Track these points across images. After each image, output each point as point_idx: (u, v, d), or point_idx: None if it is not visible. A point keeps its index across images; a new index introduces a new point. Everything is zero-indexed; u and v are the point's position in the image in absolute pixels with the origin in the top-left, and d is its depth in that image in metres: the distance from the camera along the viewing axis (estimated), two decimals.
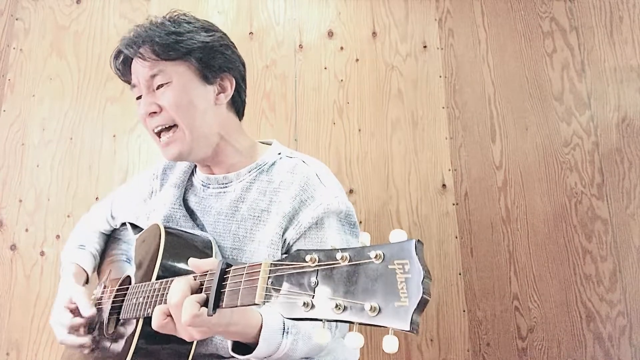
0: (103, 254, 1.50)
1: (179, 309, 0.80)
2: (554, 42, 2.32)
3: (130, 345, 1.02)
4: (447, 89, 2.31)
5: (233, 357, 0.95)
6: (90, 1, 2.41)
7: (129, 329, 1.09)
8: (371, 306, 0.54)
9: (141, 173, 1.54)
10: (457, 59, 2.35)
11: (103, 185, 2.22)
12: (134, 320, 1.06)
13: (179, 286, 0.82)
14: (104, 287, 1.33)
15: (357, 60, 2.34)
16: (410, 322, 0.51)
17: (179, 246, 1.12)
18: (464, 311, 2.09)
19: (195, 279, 0.84)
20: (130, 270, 1.25)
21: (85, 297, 1.25)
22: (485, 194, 2.20)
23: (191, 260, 0.87)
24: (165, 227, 1.14)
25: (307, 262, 0.63)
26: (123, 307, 1.13)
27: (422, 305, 0.52)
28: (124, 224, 1.48)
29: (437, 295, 2.11)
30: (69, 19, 2.39)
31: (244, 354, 0.93)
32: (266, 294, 0.66)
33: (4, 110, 2.28)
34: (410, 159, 2.24)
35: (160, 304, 0.91)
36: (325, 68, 2.33)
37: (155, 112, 1.19)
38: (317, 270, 0.61)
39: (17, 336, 2.07)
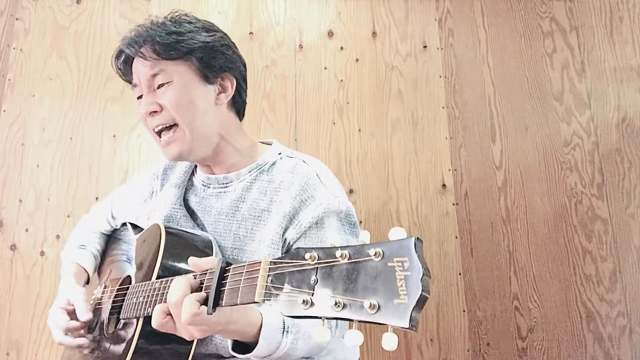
0: (103, 254, 1.50)
1: (178, 307, 0.80)
2: (554, 42, 2.32)
3: (131, 345, 1.02)
4: (447, 89, 2.32)
5: (233, 356, 0.95)
6: (90, 1, 2.41)
7: (129, 329, 1.09)
8: (370, 304, 0.54)
9: (141, 173, 1.54)
10: (457, 59, 2.35)
11: (103, 185, 2.22)
12: (134, 320, 1.06)
13: (178, 285, 0.82)
14: (104, 287, 1.33)
15: (357, 60, 2.35)
16: (410, 320, 0.51)
17: (180, 246, 1.13)
18: (464, 311, 2.09)
19: (195, 278, 0.84)
20: (131, 270, 1.25)
21: (83, 300, 1.25)
22: (485, 194, 2.20)
23: (191, 259, 0.87)
24: (165, 227, 1.15)
25: (306, 260, 0.63)
26: (123, 306, 1.13)
27: (421, 302, 0.52)
28: (124, 224, 1.48)
29: (437, 295, 2.11)
30: (69, 19, 2.39)
31: (244, 353, 0.93)
32: (266, 292, 0.66)
33: (4, 110, 2.28)
34: (410, 159, 2.24)
35: (160, 303, 0.91)
36: (325, 68, 2.33)
37: (155, 112, 1.20)
38: (317, 268, 0.61)
39: (17, 336, 2.07)
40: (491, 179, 2.21)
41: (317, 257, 0.62)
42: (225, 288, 0.76)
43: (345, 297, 0.57)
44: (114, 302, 1.21)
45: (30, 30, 2.37)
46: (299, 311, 0.61)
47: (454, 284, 2.12)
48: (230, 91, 1.27)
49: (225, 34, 1.30)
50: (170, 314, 0.84)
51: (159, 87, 1.20)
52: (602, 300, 2.05)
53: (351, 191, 2.19)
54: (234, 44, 1.32)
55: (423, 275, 0.53)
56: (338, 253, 0.60)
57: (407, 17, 2.39)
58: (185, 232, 1.20)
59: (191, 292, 0.81)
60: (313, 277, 0.61)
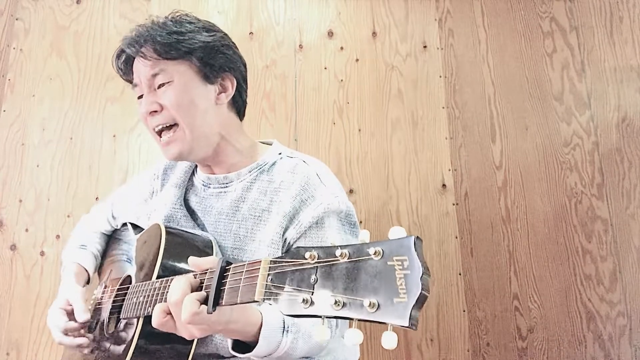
0: (104, 254, 1.50)
1: (178, 306, 0.80)
2: (554, 42, 2.33)
3: (131, 344, 1.02)
4: (447, 89, 2.32)
5: (233, 356, 0.95)
6: (90, 1, 2.41)
7: (129, 329, 1.09)
8: (370, 302, 0.54)
9: (142, 173, 1.54)
10: (457, 59, 2.35)
11: (103, 185, 2.22)
12: (134, 320, 1.07)
13: (179, 284, 0.82)
14: (105, 287, 1.33)
15: (357, 60, 2.35)
16: (409, 318, 0.51)
17: (180, 246, 1.13)
18: (464, 311, 2.09)
19: (195, 277, 0.84)
20: (131, 270, 1.25)
21: (81, 301, 1.25)
22: (485, 194, 2.20)
23: (191, 258, 0.87)
24: (166, 227, 1.15)
25: (306, 259, 0.63)
26: (123, 306, 1.14)
27: (420, 301, 0.52)
28: (124, 224, 1.48)
29: (437, 295, 2.11)
30: (69, 19, 2.39)
31: (244, 353, 0.93)
32: (266, 291, 0.66)
33: (4, 110, 2.28)
34: (410, 159, 2.24)
35: (160, 302, 0.91)
36: (325, 68, 2.33)
37: (156, 111, 1.20)
38: (317, 267, 0.61)
39: (17, 336, 2.07)
40: (491, 179, 2.21)
41: (317, 256, 0.62)
42: (226, 287, 0.76)
43: (345, 296, 0.57)
44: (114, 302, 1.21)
45: (30, 30, 2.37)
46: (298, 310, 0.61)
47: (454, 284, 2.12)
48: (231, 91, 1.27)
49: (226, 34, 1.30)
50: (170, 313, 0.84)
51: (159, 86, 1.20)
52: (602, 300, 2.05)
53: (351, 191, 2.19)
54: (235, 44, 1.32)
55: (423, 274, 0.53)
56: (338, 252, 0.60)
57: (407, 17, 2.39)
58: (186, 232, 1.20)
59: (191, 292, 0.81)
60: (313, 276, 0.61)
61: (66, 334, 1.21)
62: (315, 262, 0.62)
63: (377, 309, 0.54)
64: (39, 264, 2.13)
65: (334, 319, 1.09)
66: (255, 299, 0.67)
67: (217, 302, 0.76)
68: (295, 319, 0.99)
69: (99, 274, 1.46)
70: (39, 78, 2.32)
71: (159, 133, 1.22)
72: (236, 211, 1.23)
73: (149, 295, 1.00)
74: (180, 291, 0.81)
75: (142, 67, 1.21)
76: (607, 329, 2.03)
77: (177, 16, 1.26)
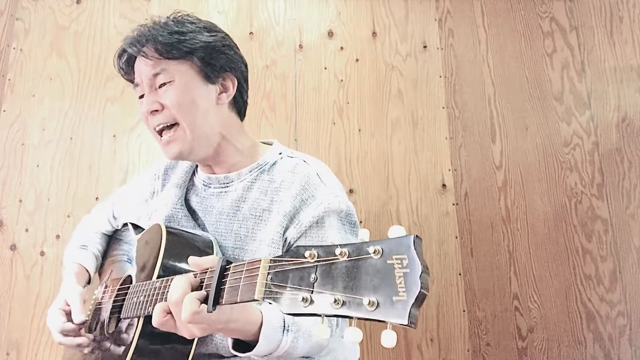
0: (105, 254, 1.51)
1: (179, 306, 0.80)
2: (554, 42, 2.33)
3: (131, 344, 1.02)
4: (447, 89, 2.32)
5: (233, 356, 0.95)
6: (90, 1, 2.41)
7: (129, 329, 1.09)
8: (369, 301, 0.54)
9: (142, 173, 1.54)
10: (457, 59, 2.35)
11: (103, 185, 2.22)
12: (135, 320, 1.07)
13: (179, 284, 0.82)
14: (105, 287, 1.33)
15: (357, 60, 2.35)
16: (408, 316, 0.51)
17: (180, 246, 1.13)
18: (464, 311, 2.09)
19: (195, 277, 0.84)
20: (132, 270, 1.25)
21: (79, 302, 1.25)
22: (485, 194, 2.20)
23: (191, 258, 0.87)
24: (166, 227, 1.15)
25: (306, 258, 0.63)
26: (124, 306, 1.14)
27: (420, 299, 0.52)
28: (125, 225, 1.48)
29: (437, 295, 2.11)
30: (69, 19, 2.39)
31: (244, 352, 0.93)
32: (266, 290, 0.66)
33: (4, 110, 2.28)
34: (410, 159, 2.24)
35: (161, 302, 0.91)
36: (325, 68, 2.34)
37: (157, 110, 1.20)
38: (317, 266, 0.61)
39: (17, 336, 2.07)
40: (491, 179, 2.21)
41: (316, 255, 0.62)
42: (226, 286, 0.76)
43: (344, 295, 0.57)
44: (114, 301, 1.21)
45: (30, 30, 2.38)
46: (298, 309, 0.61)
47: (454, 284, 2.12)
48: (232, 91, 1.28)
49: (227, 35, 1.31)
50: (170, 313, 0.84)
51: (160, 86, 1.20)
52: (602, 300, 2.05)
53: (351, 191, 2.19)
54: (236, 44, 1.32)
55: (422, 272, 0.53)
56: (338, 251, 0.60)
57: (407, 17, 2.39)
58: (186, 232, 1.20)
59: (191, 291, 0.81)
60: (313, 275, 0.61)
61: (64, 335, 1.22)
62: (315, 261, 0.62)
63: (376, 307, 0.54)
64: (39, 264, 2.13)
65: (334, 318, 1.09)
66: (255, 298, 0.67)
67: (217, 301, 0.76)
68: (296, 318, 1.00)
69: (100, 274, 1.46)
70: (39, 78, 2.32)
71: (160, 132, 1.22)
72: (237, 211, 1.23)
73: (149, 295, 1.00)
74: (180, 290, 0.81)
75: (143, 67, 1.21)
76: (607, 329, 2.03)
77: (179, 16, 1.26)
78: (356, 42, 2.37)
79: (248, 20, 2.39)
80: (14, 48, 2.35)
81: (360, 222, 2.15)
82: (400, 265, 0.54)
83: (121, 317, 1.15)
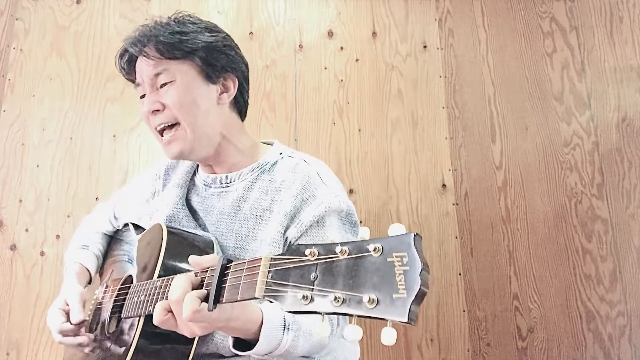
0: (105, 254, 1.51)
1: (179, 304, 0.80)
2: (554, 42, 2.33)
3: (131, 344, 1.02)
4: (447, 89, 2.32)
5: (234, 356, 0.96)
6: (90, 1, 2.41)
7: (130, 329, 1.09)
8: (369, 298, 0.54)
9: (143, 173, 1.55)
10: (457, 59, 2.35)
11: (103, 185, 2.22)
12: (135, 320, 1.07)
13: (180, 282, 0.83)
14: (106, 287, 1.33)
15: (357, 60, 2.35)
16: (408, 314, 0.51)
17: (181, 246, 1.13)
18: (464, 311, 2.09)
19: (196, 276, 0.84)
20: (132, 270, 1.25)
21: (78, 302, 1.25)
22: (485, 194, 2.20)
23: (192, 257, 0.88)
24: (167, 227, 1.15)
25: (307, 256, 0.63)
26: (124, 305, 1.14)
27: (420, 297, 0.52)
28: (126, 225, 1.48)
29: (437, 295, 2.11)
30: (69, 19, 2.39)
31: (245, 351, 0.93)
32: (266, 288, 0.66)
33: (4, 110, 2.28)
34: (410, 159, 2.24)
35: (161, 301, 0.91)
36: (325, 68, 2.34)
37: (158, 110, 1.20)
38: (317, 264, 0.61)
39: (17, 336, 2.07)
40: (491, 179, 2.21)
41: (317, 253, 0.62)
42: (226, 285, 0.76)
43: (344, 292, 0.57)
44: (115, 301, 1.21)
45: (30, 30, 2.38)
46: (299, 307, 0.61)
47: (454, 284, 2.12)
48: (233, 91, 1.28)
49: (228, 35, 1.31)
50: (171, 311, 0.84)
51: (161, 86, 1.20)
52: (602, 300, 2.05)
53: (351, 191, 2.19)
54: (237, 45, 1.32)
55: (422, 270, 0.53)
56: (338, 249, 0.60)
57: (407, 17, 2.40)
58: (187, 232, 1.20)
59: (192, 290, 0.82)
60: (313, 273, 0.61)
61: (63, 335, 1.22)
62: (316, 259, 0.62)
63: (376, 304, 0.54)
64: (39, 264, 2.13)
65: (335, 316, 1.09)
66: (256, 296, 0.68)
67: (217, 300, 0.76)
68: (296, 317, 1.00)
69: (101, 275, 1.47)
70: (39, 78, 2.32)
71: (161, 132, 1.22)
72: (238, 211, 1.23)
73: (150, 294, 1.00)
74: (181, 289, 0.81)
75: (144, 67, 1.22)
76: (607, 329, 2.03)
77: (180, 16, 1.27)
78: (356, 42, 2.37)
79: (248, 20, 2.39)
80: (14, 48, 2.35)
81: (360, 222, 2.15)
82: (400, 263, 0.54)
83: (122, 316, 1.15)
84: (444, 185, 2.21)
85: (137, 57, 1.24)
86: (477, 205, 2.19)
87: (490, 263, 2.13)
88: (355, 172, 2.22)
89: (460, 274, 2.12)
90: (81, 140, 2.27)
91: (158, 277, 1.04)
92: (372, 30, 2.38)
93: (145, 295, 1.02)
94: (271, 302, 0.65)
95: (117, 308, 1.19)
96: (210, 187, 1.31)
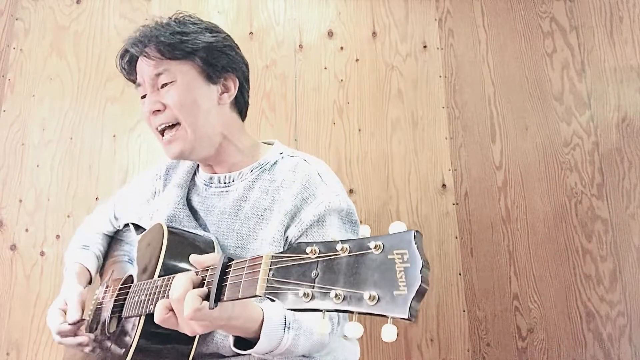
0: (106, 255, 1.51)
1: (180, 303, 0.80)
2: (554, 42, 2.33)
3: (132, 344, 1.02)
4: (447, 89, 2.32)
5: (234, 355, 0.96)
6: (90, 1, 2.41)
7: (130, 328, 1.09)
8: (370, 295, 0.54)
9: (143, 173, 1.55)
10: (457, 59, 2.35)
11: (103, 185, 2.22)
12: (136, 320, 1.07)
13: (181, 281, 0.83)
14: (106, 287, 1.33)
15: (357, 60, 2.35)
16: (409, 310, 0.51)
17: (182, 246, 1.13)
18: (464, 311, 2.09)
19: (197, 274, 0.85)
20: (133, 270, 1.25)
21: (76, 301, 1.25)
22: (485, 194, 2.20)
23: (192, 256, 0.88)
24: (168, 227, 1.15)
25: (308, 254, 0.63)
26: (125, 305, 1.14)
27: (420, 293, 0.52)
28: (127, 225, 1.48)
29: (437, 295, 2.11)
30: (69, 19, 2.40)
31: (245, 350, 0.93)
32: (267, 286, 0.67)
33: (4, 110, 2.28)
34: (410, 159, 2.24)
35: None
36: (325, 68, 2.34)
37: (159, 110, 1.21)
38: (318, 261, 0.62)
39: (17, 336, 2.07)
40: (491, 179, 2.22)
41: (318, 250, 0.62)
42: (227, 283, 0.76)
43: (345, 290, 0.57)
44: (115, 301, 1.21)
45: (30, 30, 2.38)
46: (300, 304, 0.61)
47: (454, 284, 2.12)
48: (233, 91, 1.28)
49: (229, 35, 1.32)
50: (172, 310, 0.84)
51: (162, 86, 1.21)
52: (602, 300, 2.05)
53: (351, 191, 2.19)
54: (237, 45, 1.33)
55: (422, 267, 0.53)
56: (339, 246, 0.60)
57: (407, 17, 2.40)
58: (188, 232, 1.20)
59: (193, 288, 0.82)
60: (314, 271, 0.62)
61: (62, 335, 1.22)
62: (317, 257, 0.62)
63: (377, 301, 0.54)
64: (39, 264, 2.13)
65: (335, 314, 1.10)
66: (257, 294, 0.68)
67: (218, 298, 0.77)
68: (297, 315, 1.00)
69: (101, 275, 1.47)
70: (39, 78, 2.32)
71: (162, 132, 1.23)
72: (238, 210, 1.23)
73: (150, 294, 1.00)
74: (182, 288, 0.81)
75: (145, 67, 1.22)
76: (607, 329, 2.03)
77: (181, 17, 1.27)
78: (356, 42, 2.37)
79: (248, 20, 2.39)
80: (14, 48, 2.36)
81: (360, 222, 2.15)
82: (401, 260, 0.54)
83: (122, 316, 1.15)
84: (444, 185, 2.21)
85: (137, 58, 1.24)
86: (477, 205, 2.19)
87: (490, 263, 2.13)
88: (355, 172, 2.22)
89: (460, 274, 2.12)
90: (81, 140, 2.27)
91: (159, 277, 1.04)
92: (372, 30, 2.38)
93: (146, 294, 1.02)
94: (272, 300, 0.65)
95: (118, 308, 1.19)
96: (211, 186, 1.31)
